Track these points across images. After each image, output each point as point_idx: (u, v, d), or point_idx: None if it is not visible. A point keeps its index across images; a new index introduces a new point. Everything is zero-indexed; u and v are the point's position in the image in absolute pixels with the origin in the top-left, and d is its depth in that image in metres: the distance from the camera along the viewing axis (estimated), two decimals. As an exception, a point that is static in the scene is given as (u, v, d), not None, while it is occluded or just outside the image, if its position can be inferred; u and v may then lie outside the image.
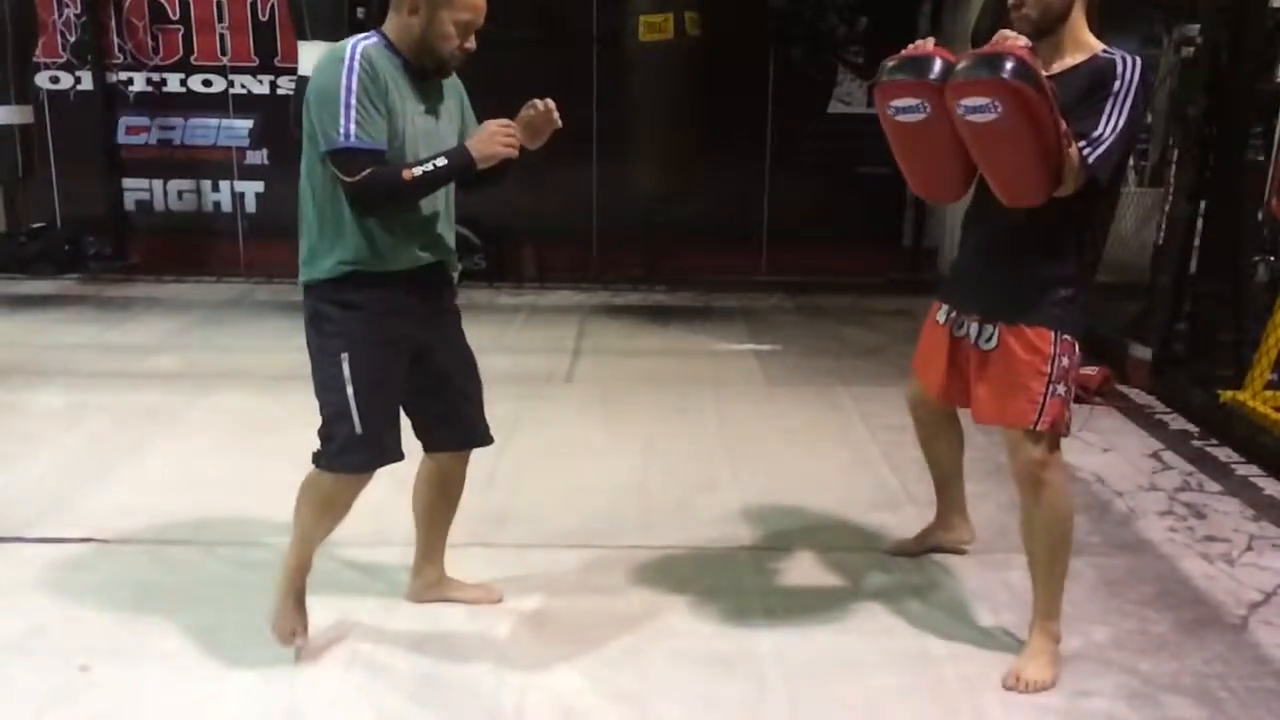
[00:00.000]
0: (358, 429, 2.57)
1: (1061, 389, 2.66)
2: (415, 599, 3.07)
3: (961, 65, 2.47)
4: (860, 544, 3.49)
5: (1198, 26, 4.95)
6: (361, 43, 2.48)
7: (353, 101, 2.40)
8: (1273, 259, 5.30)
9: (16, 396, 4.89)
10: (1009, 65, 2.35)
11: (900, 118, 2.63)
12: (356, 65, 2.42)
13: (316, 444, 2.65)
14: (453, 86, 2.69)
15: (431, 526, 3.02)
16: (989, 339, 2.73)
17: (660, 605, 3.09)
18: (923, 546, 3.38)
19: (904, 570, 3.30)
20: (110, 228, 8.00)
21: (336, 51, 2.46)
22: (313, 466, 2.67)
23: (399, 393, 2.69)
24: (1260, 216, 5.06)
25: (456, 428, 2.87)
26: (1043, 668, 2.70)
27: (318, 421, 2.63)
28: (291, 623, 2.76)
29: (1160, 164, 6.38)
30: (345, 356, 2.55)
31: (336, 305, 2.57)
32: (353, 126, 2.40)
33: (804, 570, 3.34)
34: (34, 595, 3.07)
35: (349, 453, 2.60)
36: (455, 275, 2.82)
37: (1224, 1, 4.83)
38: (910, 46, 2.64)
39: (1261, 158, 5.01)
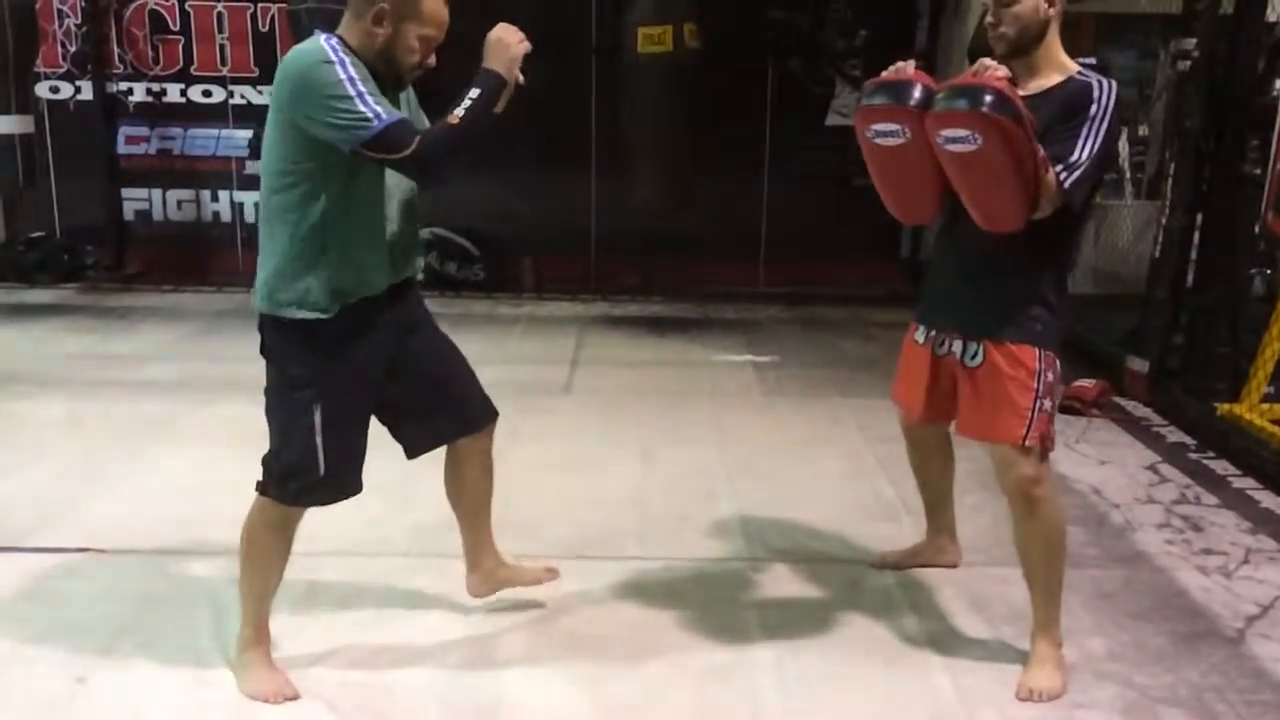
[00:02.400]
0: (321, 473, 2.53)
1: (1047, 404, 2.69)
2: (477, 593, 3.02)
3: (941, 95, 2.50)
4: (857, 555, 3.49)
5: (1195, 40, 4.97)
6: (330, 40, 2.39)
7: (361, 88, 2.31)
8: (1269, 272, 5.31)
9: (15, 405, 4.89)
10: (988, 98, 2.39)
11: (880, 141, 2.65)
12: (345, 56, 2.34)
13: (261, 472, 2.58)
14: (405, 95, 2.61)
15: (475, 515, 2.95)
16: (974, 355, 2.75)
17: (657, 616, 3.09)
18: (909, 563, 3.38)
19: (900, 582, 3.30)
20: (109, 237, 7.99)
21: (315, 54, 2.35)
22: (258, 496, 2.60)
23: (365, 429, 2.63)
24: (1257, 230, 5.07)
25: (460, 412, 2.80)
26: (1051, 675, 2.72)
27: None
28: (274, 681, 2.64)
29: (1157, 177, 6.41)
30: (317, 409, 2.48)
31: (305, 348, 2.49)
32: (377, 107, 2.30)
33: (801, 581, 3.34)
34: (31, 605, 3.07)
35: (311, 493, 2.56)
36: (418, 275, 2.77)
37: (1221, 15, 4.86)
38: (890, 70, 2.66)
39: (1258, 171, 5.02)
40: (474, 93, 2.40)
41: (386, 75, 2.46)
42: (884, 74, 2.66)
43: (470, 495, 2.92)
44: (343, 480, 2.59)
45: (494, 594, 3.03)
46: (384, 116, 2.30)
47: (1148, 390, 5.22)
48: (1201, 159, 5.01)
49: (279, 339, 2.52)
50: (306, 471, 2.52)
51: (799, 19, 7.82)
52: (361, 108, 2.30)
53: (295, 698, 2.63)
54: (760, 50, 7.82)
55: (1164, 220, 5.18)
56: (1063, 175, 2.49)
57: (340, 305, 2.47)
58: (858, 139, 2.73)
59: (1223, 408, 4.74)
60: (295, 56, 2.39)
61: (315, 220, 2.43)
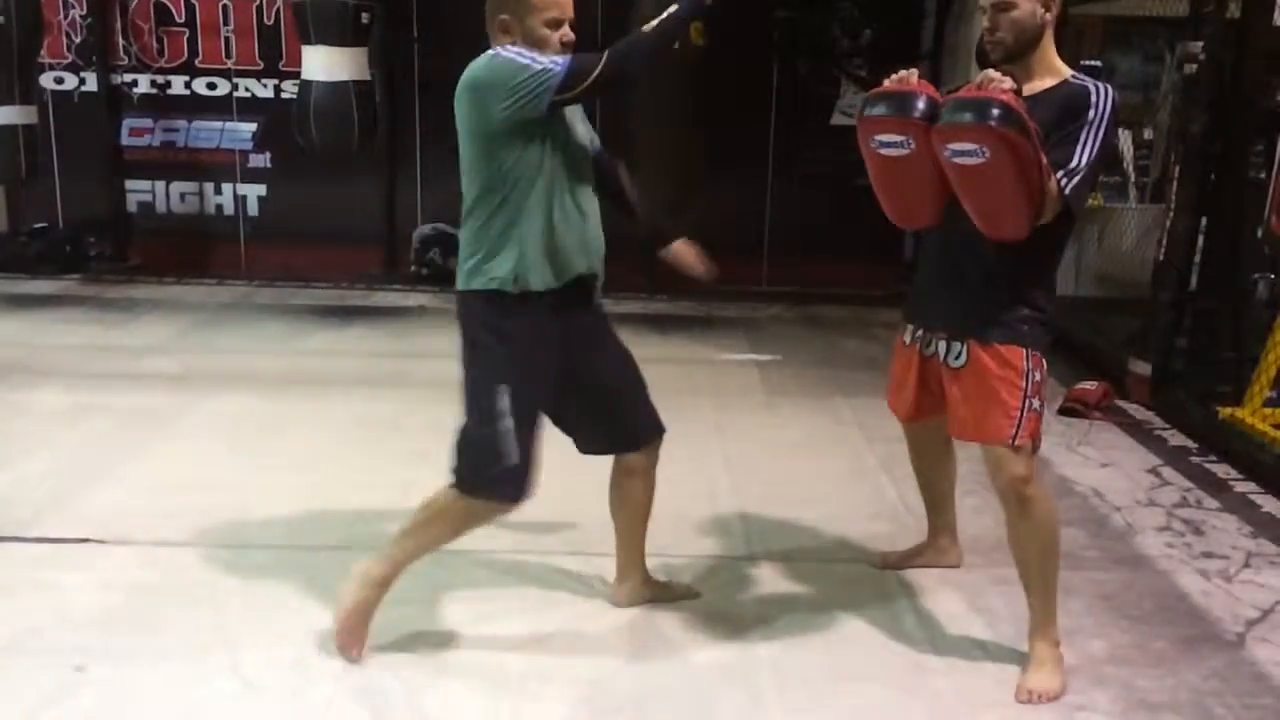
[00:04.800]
0: (514, 460, 2.62)
1: (1036, 403, 2.69)
2: (620, 604, 3.11)
3: (948, 109, 2.50)
4: (857, 555, 3.49)
5: (1201, 44, 4.96)
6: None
7: (531, 57, 2.52)
8: (1273, 276, 5.31)
9: (16, 396, 4.89)
10: (996, 112, 2.39)
11: (883, 151, 2.66)
12: (512, 47, 2.55)
13: (451, 462, 2.67)
14: None
15: (632, 528, 3.08)
16: (958, 356, 2.75)
17: (656, 614, 3.09)
18: (910, 563, 3.38)
19: (900, 582, 3.30)
20: (112, 229, 8.00)
21: (485, 57, 2.57)
22: (450, 488, 2.68)
23: (541, 426, 2.73)
24: (1260, 234, 5.06)
25: (633, 428, 2.94)
26: (1050, 676, 2.72)
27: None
28: (359, 637, 2.76)
29: (1162, 180, 6.40)
30: (504, 389, 2.59)
31: (491, 332, 2.64)
32: (547, 62, 2.50)
33: (800, 580, 3.34)
34: (31, 595, 3.07)
35: (505, 484, 2.65)
36: (599, 282, 2.92)
37: (1227, 19, 4.85)
38: (894, 78, 2.65)
39: (1263, 175, 5.01)
40: (674, 9, 2.55)
41: None
42: (886, 83, 2.66)
43: (630, 509, 3.05)
44: (530, 475, 2.69)
45: (637, 605, 3.10)
46: (558, 63, 2.51)
47: (1150, 393, 5.21)
48: (1206, 163, 5.00)
49: (469, 317, 2.68)
50: (500, 459, 2.62)
51: (804, 19, 7.81)
52: (536, 67, 2.50)
53: (356, 660, 2.73)
54: (765, 50, 7.81)
55: (1168, 224, 5.17)
56: (1063, 181, 2.50)
57: (513, 296, 2.62)
58: (859, 146, 2.73)
59: (1225, 411, 4.73)
60: (479, 66, 2.58)
61: (508, 208, 2.61)
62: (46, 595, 3.07)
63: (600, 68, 2.50)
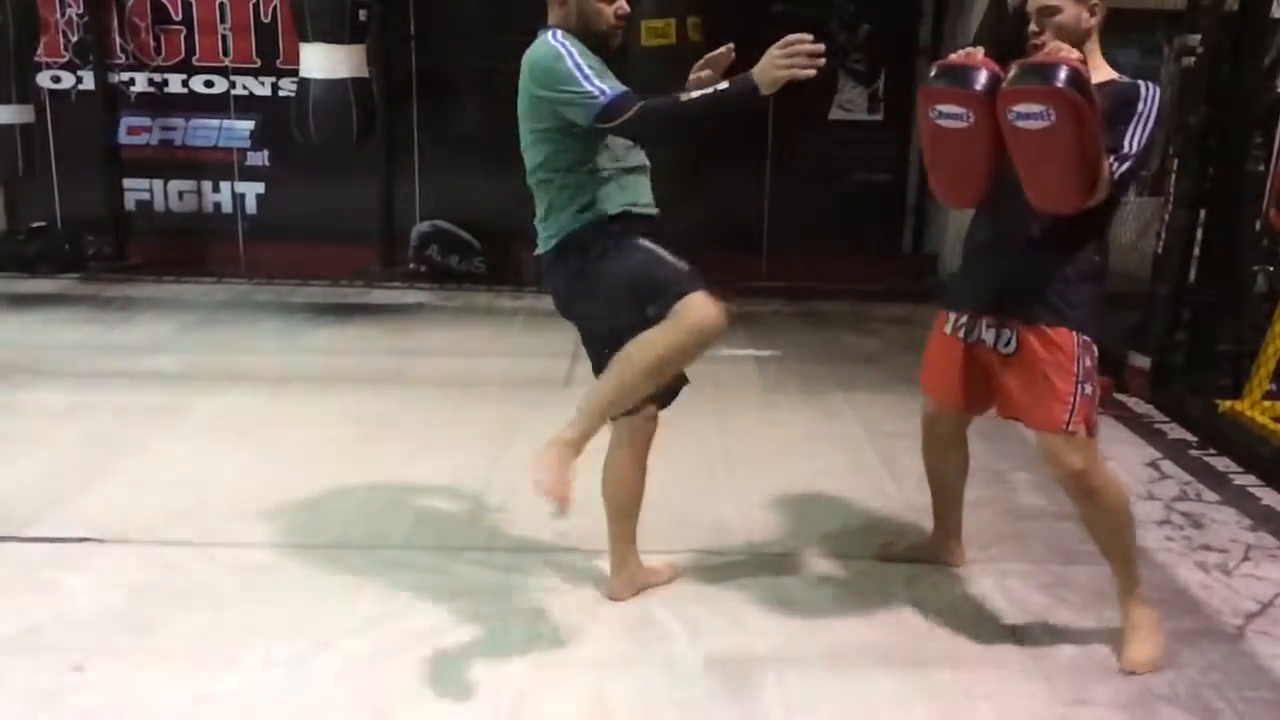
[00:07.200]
0: (681, 265, 2.75)
1: (1089, 388, 2.70)
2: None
3: (1015, 73, 2.54)
4: (858, 551, 3.49)
5: (1198, 36, 4.96)
6: (554, 30, 2.67)
7: (584, 71, 2.58)
8: (1271, 269, 5.31)
9: (15, 396, 4.88)
10: (1063, 74, 2.43)
11: (943, 122, 2.69)
12: (569, 45, 2.62)
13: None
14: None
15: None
16: (1007, 343, 2.76)
17: (656, 610, 3.09)
18: (911, 557, 3.38)
19: (901, 577, 3.29)
20: (110, 228, 7.99)
21: (547, 47, 2.64)
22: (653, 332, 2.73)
23: None
24: (1258, 226, 5.06)
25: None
26: (1146, 641, 2.80)
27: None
28: (564, 483, 2.74)
29: (1160, 173, 6.40)
30: (638, 243, 2.78)
31: (595, 239, 2.78)
32: (594, 87, 2.56)
33: (801, 576, 3.34)
34: (30, 594, 3.07)
35: (689, 281, 2.73)
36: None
37: (1224, 11, 4.85)
38: (960, 53, 2.71)
39: (1261, 168, 5.01)
40: (721, 87, 2.57)
41: (593, 42, 2.72)
42: (952, 56, 2.71)
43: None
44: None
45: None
46: (607, 93, 2.56)
47: (1149, 387, 5.21)
48: (1205, 156, 5.00)
49: (567, 253, 2.87)
50: (668, 270, 2.81)
51: (802, 13, 7.80)
52: (585, 85, 2.57)
53: (568, 501, 2.67)
54: (763, 44, 7.78)
55: (1167, 217, 5.17)
56: (1114, 165, 2.54)
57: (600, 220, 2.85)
58: (918, 117, 2.78)
59: (1224, 405, 4.73)
60: (539, 50, 2.67)
61: (574, 169, 2.76)
62: (46, 595, 3.07)
63: (628, 117, 2.54)
